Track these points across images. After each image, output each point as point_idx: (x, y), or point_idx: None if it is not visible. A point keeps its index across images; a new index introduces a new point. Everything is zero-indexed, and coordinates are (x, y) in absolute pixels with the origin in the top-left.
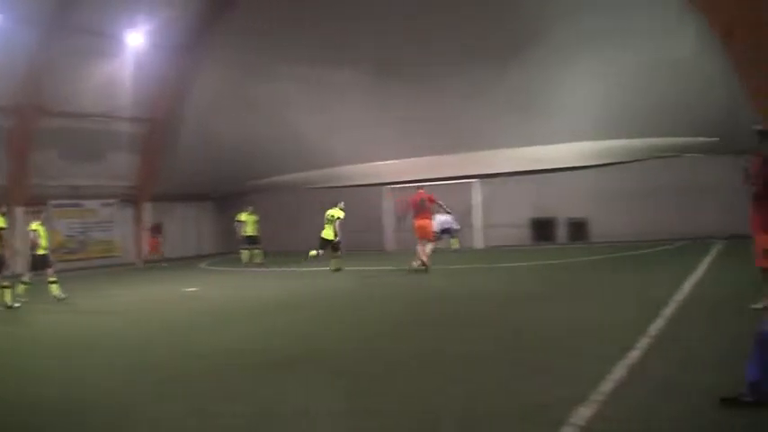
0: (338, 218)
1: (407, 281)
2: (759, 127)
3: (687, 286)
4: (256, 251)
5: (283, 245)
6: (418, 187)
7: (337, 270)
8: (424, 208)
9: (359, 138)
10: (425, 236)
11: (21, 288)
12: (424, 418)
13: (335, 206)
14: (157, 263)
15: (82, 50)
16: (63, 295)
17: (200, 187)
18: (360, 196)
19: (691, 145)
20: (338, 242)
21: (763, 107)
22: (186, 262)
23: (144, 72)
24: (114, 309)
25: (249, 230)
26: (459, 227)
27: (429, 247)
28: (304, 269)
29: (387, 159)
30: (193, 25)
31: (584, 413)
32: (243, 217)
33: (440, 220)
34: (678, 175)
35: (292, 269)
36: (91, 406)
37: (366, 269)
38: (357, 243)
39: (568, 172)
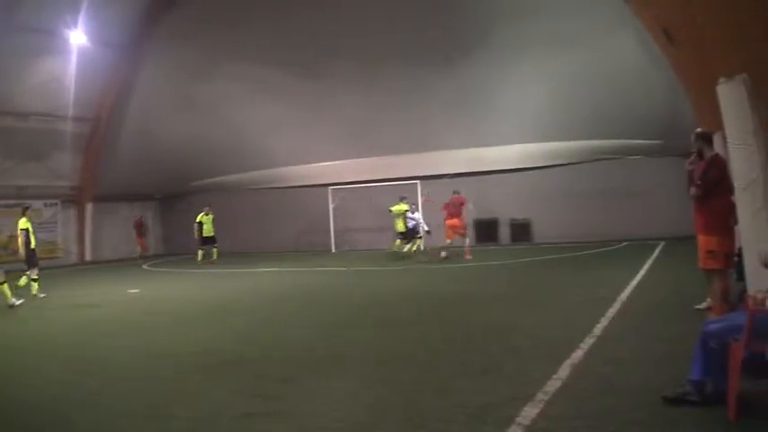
0: None
1: (354, 281)
2: (700, 130)
3: (630, 287)
4: (214, 249)
5: (226, 245)
6: (454, 191)
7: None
8: (456, 209)
9: (302, 138)
10: (458, 232)
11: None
12: (363, 420)
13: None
14: (141, 259)
15: (25, 49)
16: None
17: (143, 188)
18: (305, 197)
19: (633, 147)
20: None
21: (704, 109)
22: (128, 263)
23: (87, 71)
24: (55, 311)
25: (206, 231)
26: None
27: (467, 240)
28: (246, 270)
29: (330, 160)
30: (136, 24)
31: (529, 412)
32: (200, 218)
33: (412, 219)
34: (621, 176)
35: (235, 270)
36: (28, 409)
37: (313, 270)
38: (303, 244)
39: (511, 173)
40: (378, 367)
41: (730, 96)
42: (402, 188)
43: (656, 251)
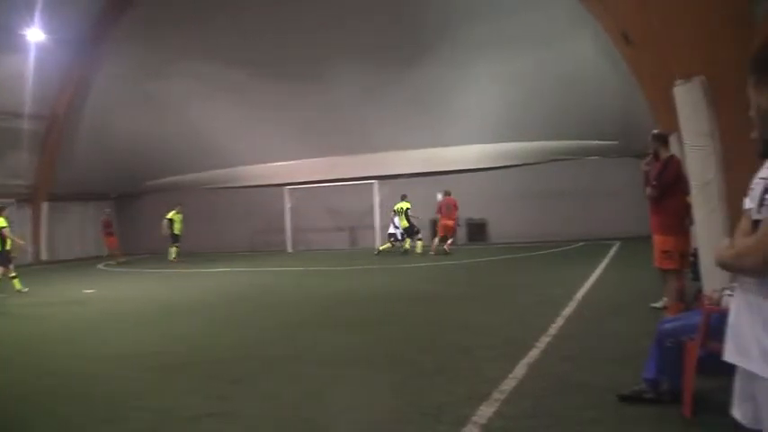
0: None
1: (310, 281)
2: (656, 131)
3: (586, 286)
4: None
5: (182, 246)
6: (445, 192)
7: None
8: (450, 210)
9: (259, 138)
10: (448, 232)
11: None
12: (315, 420)
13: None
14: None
15: None
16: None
17: (99, 187)
18: (261, 197)
19: (590, 148)
20: None
21: (661, 111)
22: (85, 263)
23: (44, 69)
24: (9, 311)
25: (177, 229)
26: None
27: (449, 240)
28: (201, 270)
29: (287, 160)
30: (93, 22)
31: (485, 411)
32: (171, 215)
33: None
34: (577, 177)
35: (191, 270)
36: None
37: (270, 270)
38: (259, 244)
39: (468, 173)
40: (331, 368)
41: (687, 98)
42: (359, 188)
43: (612, 251)
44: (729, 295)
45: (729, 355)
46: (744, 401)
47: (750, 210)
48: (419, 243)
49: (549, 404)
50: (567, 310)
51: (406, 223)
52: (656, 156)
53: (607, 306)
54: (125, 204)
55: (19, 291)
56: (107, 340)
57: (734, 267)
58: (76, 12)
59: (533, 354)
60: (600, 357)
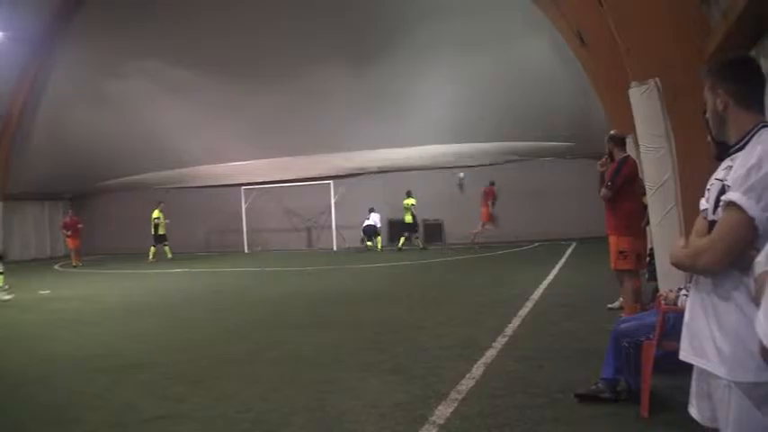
0: None
1: (266, 282)
2: (613, 132)
3: (542, 286)
4: (153, 249)
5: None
6: (491, 183)
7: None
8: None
9: (215, 138)
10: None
11: None
12: (272, 421)
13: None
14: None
15: None
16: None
17: (52, 186)
18: (216, 197)
19: (545, 149)
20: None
21: (616, 112)
22: (39, 263)
23: None
24: None
25: (161, 228)
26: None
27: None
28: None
29: (243, 160)
30: (48, 20)
31: (443, 411)
32: (156, 214)
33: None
34: (533, 178)
35: (145, 271)
36: None
37: (225, 270)
38: (215, 244)
39: (424, 173)
40: (287, 368)
41: (641, 100)
42: (315, 188)
43: (568, 252)
44: (685, 295)
45: (686, 355)
46: (701, 400)
47: (706, 210)
48: (417, 240)
49: (506, 403)
50: (524, 311)
51: (410, 219)
52: (612, 156)
53: (563, 306)
54: (80, 204)
55: None
56: (61, 341)
57: (689, 267)
58: (31, 10)
59: (490, 354)
60: (557, 357)
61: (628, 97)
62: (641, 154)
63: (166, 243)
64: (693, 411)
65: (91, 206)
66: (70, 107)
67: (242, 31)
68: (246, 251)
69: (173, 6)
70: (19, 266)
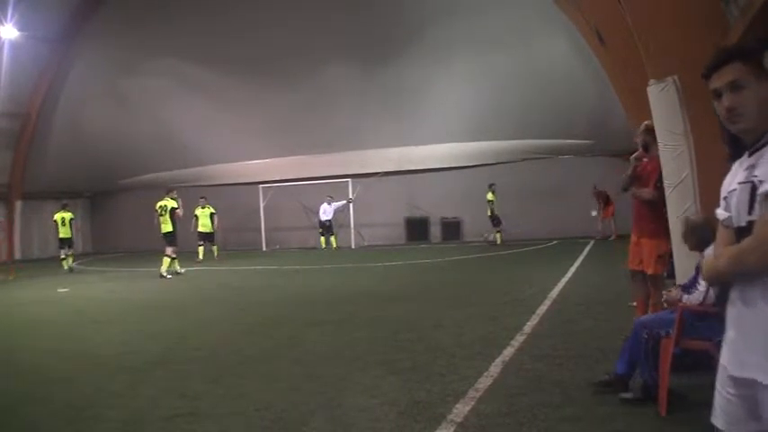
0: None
1: (284, 279)
2: (648, 122)
3: (561, 284)
4: (214, 247)
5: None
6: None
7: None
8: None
9: (233, 136)
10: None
11: None
12: (292, 419)
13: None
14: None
15: None
16: None
17: (72, 185)
18: (235, 195)
19: (563, 147)
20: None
21: (635, 110)
22: (58, 261)
23: (18, 66)
24: None
25: (203, 225)
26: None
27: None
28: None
29: (261, 158)
30: (67, 19)
31: (461, 409)
32: (197, 211)
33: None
34: (551, 176)
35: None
36: None
37: (245, 269)
38: (233, 242)
39: (442, 172)
40: (305, 366)
41: (660, 97)
42: (333, 186)
43: (586, 250)
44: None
45: (738, 371)
46: (742, 415)
47: (728, 218)
48: (498, 235)
49: (524, 402)
50: (542, 309)
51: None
52: (646, 149)
53: (581, 304)
54: (100, 203)
55: None
56: (80, 339)
57: (736, 270)
58: (51, 9)
59: (508, 352)
60: (575, 355)
61: (646, 95)
62: (660, 152)
63: (212, 242)
64: (719, 423)
65: (110, 205)
66: (88, 106)
67: (259, 29)
68: (264, 249)
69: (190, 5)
70: (37, 264)
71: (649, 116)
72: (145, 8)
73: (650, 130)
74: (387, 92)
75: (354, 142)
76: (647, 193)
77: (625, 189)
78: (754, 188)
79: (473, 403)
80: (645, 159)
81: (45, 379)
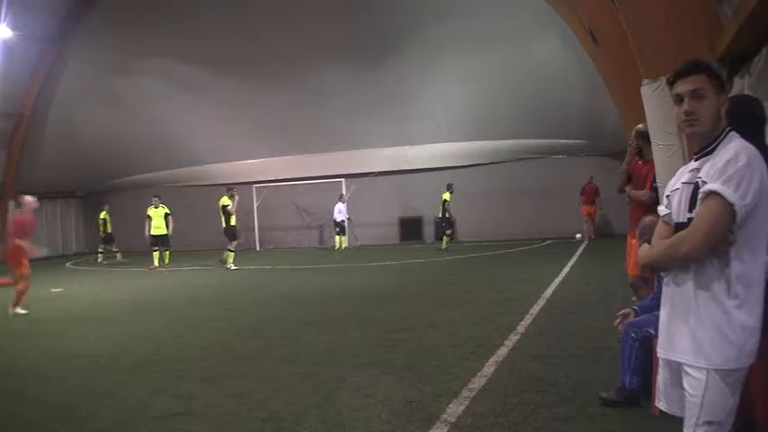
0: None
1: (277, 279)
2: (641, 127)
3: (554, 284)
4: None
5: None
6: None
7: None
8: (590, 197)
9: (226, 136)
10: (591, 217)
11: None
12: (284, 418)
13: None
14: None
15: None
16: None
17: (65, 184)
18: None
19: (557, 146)
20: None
21: (628, 110)
22: (51, 261)
23: (11, 65)
24: None
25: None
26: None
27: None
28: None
29: (254, 158)
30: (61, 19)
31: (454, 409)
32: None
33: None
34: (544, 176)
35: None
36: None
37: (237, 268)
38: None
39: (435, 172)
40: (299, 366)
41: (654, 97)
42: (327, 186)
43: (580, 249)
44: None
45: (665, 353)
46: (672, 391)
47: (668, 215)
48: (446, 239)
49: (518, 402)
50: (536, 309)
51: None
52: (641, 153)
53: (575, 304)
54: (93, 203)
55: None
56: (73, 339)
57: (670, 257)
58: (44, 9)
59: (502, 352)
60: (568, 355)
61: (640, 95)
62: (653, 152)
63: (166, 246)
64: (662, 405)
65: (103, 204)
66: (82, 106)
67: (254, 30)
68: (258, 249)
69: (185, 6)
70: (31, 264)
71: (643, 116)
72: (139, 9)
73: (642, 134)
74: (381, 92)
75: (348, 142)
76: (642, 194)
77: (621, 190)
78: (697, 188)
79: (466, 403)
80: (640, 162)
81: (38, 378)
